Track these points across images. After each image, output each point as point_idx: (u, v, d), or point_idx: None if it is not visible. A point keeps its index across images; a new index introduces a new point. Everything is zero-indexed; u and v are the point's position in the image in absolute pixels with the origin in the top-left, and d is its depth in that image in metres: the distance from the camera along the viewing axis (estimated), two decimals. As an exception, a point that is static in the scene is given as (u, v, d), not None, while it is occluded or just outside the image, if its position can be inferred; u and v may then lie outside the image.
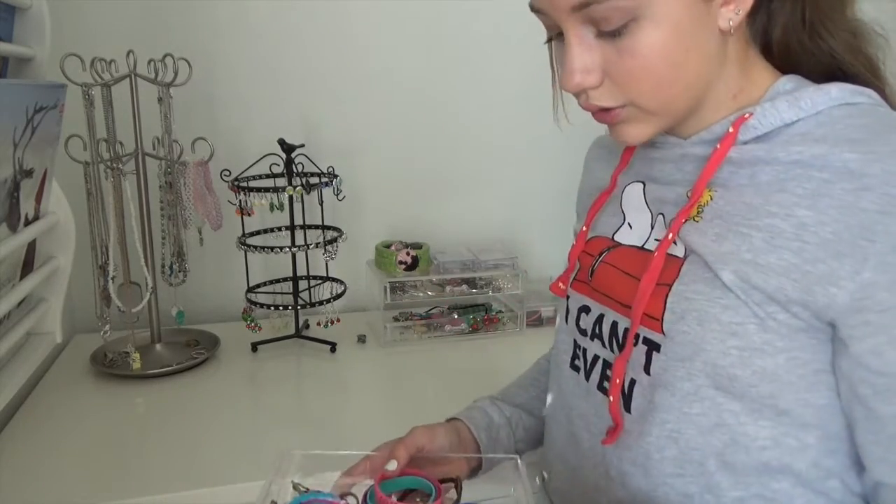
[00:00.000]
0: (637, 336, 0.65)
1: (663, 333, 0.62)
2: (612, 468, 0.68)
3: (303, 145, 1.28)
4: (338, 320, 1.35)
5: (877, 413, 0.56)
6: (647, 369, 0.64)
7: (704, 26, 0.58)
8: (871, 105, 0.60)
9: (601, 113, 0.63)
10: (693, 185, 0.63)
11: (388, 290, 1.39)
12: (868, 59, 0.64)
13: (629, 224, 0.72)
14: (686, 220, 0.63)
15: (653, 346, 0.63)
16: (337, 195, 1.31)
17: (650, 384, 0.64)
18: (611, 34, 0.58)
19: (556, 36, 0.64)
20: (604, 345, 0.70)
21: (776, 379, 0.58)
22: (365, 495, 0.66)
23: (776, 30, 0.64)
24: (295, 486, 0.68)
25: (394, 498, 0.66)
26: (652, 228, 0.69)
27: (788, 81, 0.63)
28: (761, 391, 0.59)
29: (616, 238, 0.73)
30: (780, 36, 0.64)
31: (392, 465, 0.68)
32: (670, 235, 0.63)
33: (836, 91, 0.60)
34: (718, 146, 0.62)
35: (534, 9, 0.62)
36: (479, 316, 1.43)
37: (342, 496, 0.67)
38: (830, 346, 0.58)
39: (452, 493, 0.70)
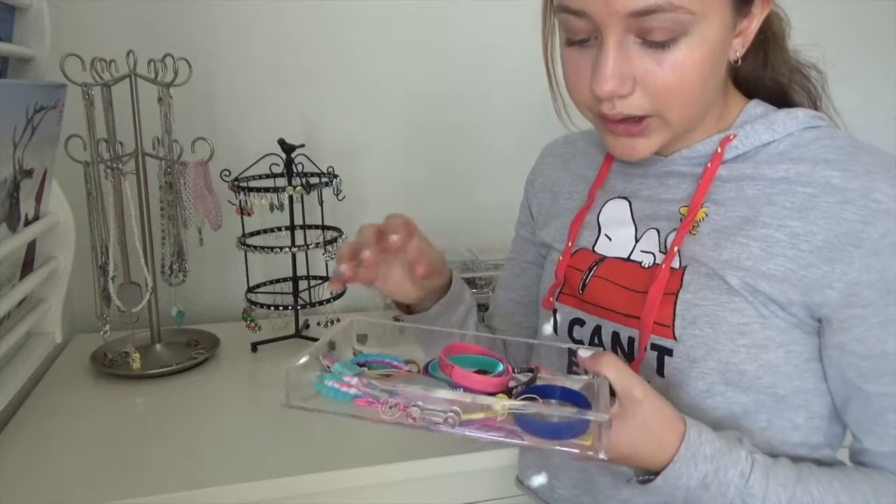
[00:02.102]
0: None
1: (675, 339, 0.66)
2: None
3: (303, 145, 1.28)
4: (338, 320, 1.35)
5: (864, 391, 0.64)
6: (660, 372, 0.68)
7: (724, 54, 0.64)
8: (830, 128, 0.69)
9: (628, 124, 0.64)
10: (689, 203, 0.69)
11: (388, 290, 1.39)
12: (805, 84, 0.75)
13: (606, 236, 0.76)
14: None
15: (664, 352, 0.67)
16: (337, 195, 1.31)
17: (664, 385, 0.68)
18: (657, 45, 0.60)
19: (579, 42, 0.64)
20: None
21: (777, 370, 0.65)
22: (427, 365, 0.66)
23: (742, 63, 0.70)
24: (355, 353, 0.70)
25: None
26: (637, 241, 0.73)
27: (757, 106, 0.71)
28: (765, 382, 0.65)
29: (597, 250, 0.76)
30: (743, 67, 0.72)
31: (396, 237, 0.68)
32: (675, 249, 0.67)
33: (802, 115, 0.68)
34: (709, 165, 0.69)
35: (568, 10, 0.62)
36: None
37: (406, 362, 0.67)
38: (816, 338, 0.66)
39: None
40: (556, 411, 0.55)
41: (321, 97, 1.50)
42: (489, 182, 1.63)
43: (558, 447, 0.54)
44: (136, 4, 1.37)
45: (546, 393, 0.61)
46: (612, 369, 0.59)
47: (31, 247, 1.10)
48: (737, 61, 0.67)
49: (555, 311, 0.78)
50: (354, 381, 0.58)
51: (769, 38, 0.72)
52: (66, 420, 1.07)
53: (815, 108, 0.74)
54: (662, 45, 0.60)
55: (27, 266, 1.10)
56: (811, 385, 0.66)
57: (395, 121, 1.55)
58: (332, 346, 0.68)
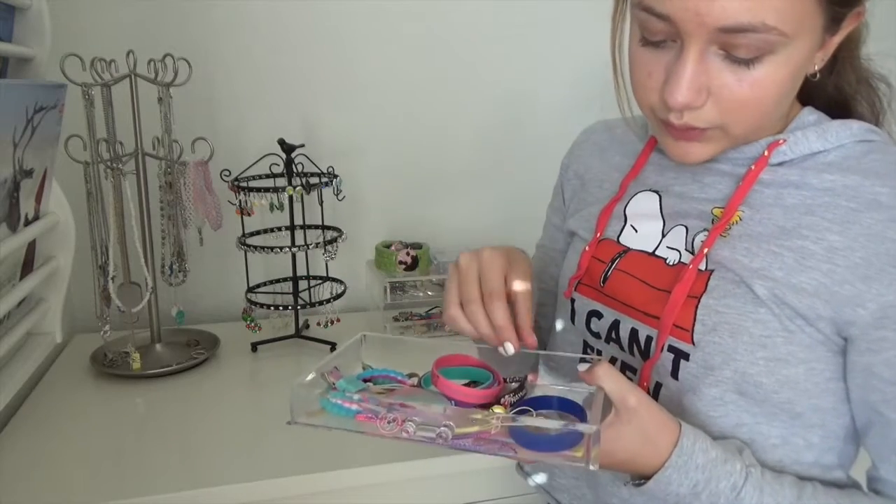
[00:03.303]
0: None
1: (693, 343, 0.65)
2: None
3: (303, 145, 1.28)
4: (338, 320, 1.35)
5: (886, 418, 0.61)
6: (674, 375, 0.66)
7: (805, 71, 0.62)
8: (885, 143, 0.66)
9: (688, 131, 0.62)
10: (724, 203, 0.67)
11: (388, 290, 1.39)
12: (871, 97, 0.70)
13: (633, 227, 0.74)
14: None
15: (680, 355, 0.66)
16: (337, 195, 1.31)
17: (678, 389, 0.66)
18: (742, 61, 0.57)
19: (654, 43, 0.60)
20: (622, 349, 0.72)
21: (796, 387, 0.62)
22: (420, 379, 0.67)
23: None
24: (364, 367, 0.71)
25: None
26: (663, 236, 0.71)
27: (811, 113, 0.68)
28: (781, 397, 0.63)
29: (621, 241, 0.74)
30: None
31: (510, 350, 0.64)
32: (705, 250, 0.65)
33: (857, 127, 0.65)
34: (753, 167, 0.66)
35: (652, 11, 0.58)
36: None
37: (409, 376, 0.68)
38: (841, 357, 0.63)
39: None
40: (547, 424, 0.56)
41: (321, 97, 1.50)
42: (489, 182, 1.63)
43: (551, 459, 0.55)
44: (136, 4, 1.37)
45: (543, 404, 0.62)
46: (608, 380, 0.59)
47: (31, 247, 1.11)
48: (814, 74, 0.63)
49: (573, 302, 0.77)
50: (356, 397, 0.60)
51: (842, 42, 0.66)
52: (66, 420, 1.07)
53: (877, 122, 0.70)
54: (746, 63, 0.57)
55: (27, 266, 1.10)
56: (830, 405, 0.64)
57: (395, 121, 1.55)
58: (341, 355, 0.70)
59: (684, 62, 0.58)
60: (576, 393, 0.64)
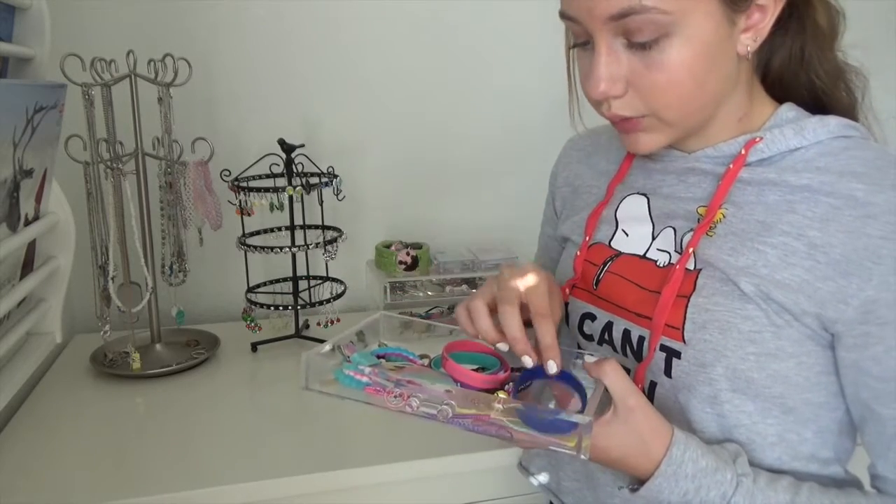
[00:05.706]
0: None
1: (684, 342, 0.66)
2: None
3: (303, 145, 1.28)
4: (338, 320, 1.35)
5: (878, 414, 0.62)
6: (668, 373, 0.67)
7: (726, 49, 0.63)
8: (863, 139, 0.67)
9: (622, 122, 0.66)
10: (708, 202, 0.68)
11: (388, 290, 1.39)
12: (847, 91, 0.71)
13: (623, 231, 0.75)
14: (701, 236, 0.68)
15: (672, 353, 0.67)
16: (337, 195, 1.31)
17: (672, 386, 0.67)
18: (641, 46, 0.60)
19: (580, 44, 0.65)
20: (615, 350, 0.73)
21: (787, 381, 0.64)
22: (430, 360, 0.70)
23: (775, 60, 0.70)
24: (381, 345, 0.75)
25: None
26: (653, 239, 0.72)
27: (790, 110, 0.69)
28: (773, 392, 0.64)
29: (613, 245, 0.75)
30: (777, 66, 0.70)
31: (552, 368, 0.63)
32: (691, 250, 0.67)
33: (834, 123, 0.66)
34: (731, 166, 0.67)
35: (564, 16, 0.64)
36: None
37: (421, 357, 0.71)
38: (830, 351, 0.64)
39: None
40: (546, 413, 0.58)
41: (321, 97, 1.51)
42: (489, 182, 1.63)
43: (543, 442, 0.57)
44: (136, 4, 1.37)
45: (544, 374, 0.64)
46: (612, 376, 0.60)
47: (31, 247, 1.11)
48: (747, 56, 0.64)
49: (566, 305, 0.78)
50: (367, 370, 0.63)
51: (809, 34, 0.68)
52: (66, 420, 1.07)
53: (852, 114, 0.71)
54: (647, 46, 0.60)
55: (27, 266, 1.10)
56: (822, 399, 0.65)
57: (396, 120, 1.55)
58: (360, 336, 0.74)
59: (596, 55, 0.62)
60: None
